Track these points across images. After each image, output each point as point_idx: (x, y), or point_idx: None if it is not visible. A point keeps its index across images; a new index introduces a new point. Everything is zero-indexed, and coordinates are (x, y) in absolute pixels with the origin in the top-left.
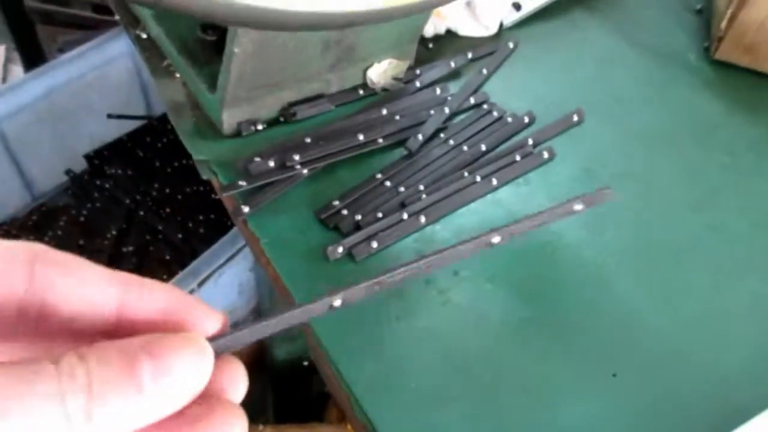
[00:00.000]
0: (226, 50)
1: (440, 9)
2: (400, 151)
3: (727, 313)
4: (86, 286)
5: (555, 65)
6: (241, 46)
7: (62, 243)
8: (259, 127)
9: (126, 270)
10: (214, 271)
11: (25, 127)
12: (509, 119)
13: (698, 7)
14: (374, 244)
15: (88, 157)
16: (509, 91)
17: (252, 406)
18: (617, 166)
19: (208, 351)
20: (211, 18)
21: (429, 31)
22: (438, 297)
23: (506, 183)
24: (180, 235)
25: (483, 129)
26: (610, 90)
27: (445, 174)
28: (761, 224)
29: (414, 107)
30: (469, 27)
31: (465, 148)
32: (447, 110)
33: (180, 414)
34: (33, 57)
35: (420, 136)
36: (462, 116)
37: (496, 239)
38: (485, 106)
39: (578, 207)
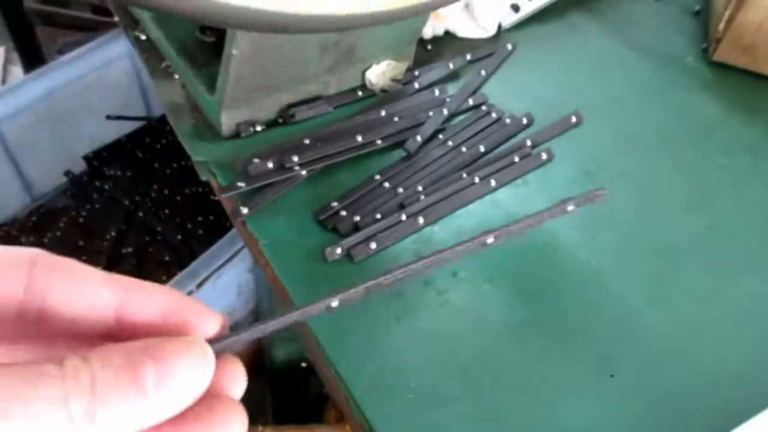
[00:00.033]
0: (225, 52)
1: (439, 11)
2: (399, 153)
3: (725, 314)
4: (85, 290)
5: (553, 67)
6: (239, 47)
7: (61, 244)
8: (258, 128)
9: (125, 271)
10: (213, 273)
11: (24, 129)
12: (508, 121)
13: (696, 8)
14: (373, 245)
15: (87, 158)
16: (508, 92)
17: (251, 407)
18: (615, 167)
19: (210, 354)
20: (208, 20)
21: (428, 32)
22: (437, 298)
23: (505, 184)
24: (179, 236)
25: (481, 130)
26: (608, 91)
27: (444, 175)
28: (758, 225)
29: (413, 108)
30: (467, 28)
31: (463, 149)
32: (446, 111)
33: (181, 412)
34: (32, 58)
35: (419, 138)
36: (460, 117)
37: (490, 240)
38: (484, 108)
39: (570, 208)
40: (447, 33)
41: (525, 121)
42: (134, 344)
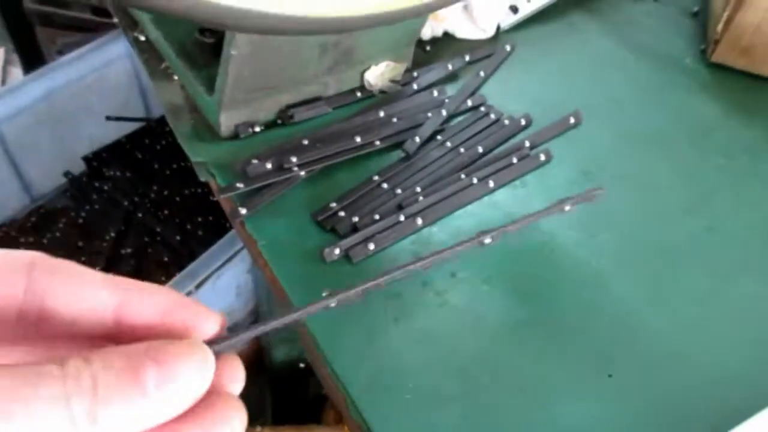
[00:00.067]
0: (224, 53)
1: (438, 12)
2: (398, 154)
3: (724, 314)
4: (85, 291)
5: (552, 68)
6: (238, 48)
7: (61, 245)
8: (257, 129)
9: (124, 272)
10: (212, 273)
11: (24, 129)
12: (506, 122)
13: (695, 10)
14: (371, 246)
15: (86, 159)
16: (506, 93)
17: (250, 407)
18: (614, 168)
19: (210, 357)
20: (205, 22)
21: (426, 33)
22: (435, 298)
23: (503, 185)
24: (178, 237)
25: (480, 131)
26: (606, 92)
27: (442, 176)
28: (757, 226)
29: (411, 110)
30: (466, 30)
31: (462, 150)
32: (444, 113)
33: None
34: (32, 59)
35: (417, 139)
36: (459, 119)
37: (487, 240)
38: (482, 109)
39: (568, 207)
40: (446, 34)
41: (523, 122)
42: (136, 346)
